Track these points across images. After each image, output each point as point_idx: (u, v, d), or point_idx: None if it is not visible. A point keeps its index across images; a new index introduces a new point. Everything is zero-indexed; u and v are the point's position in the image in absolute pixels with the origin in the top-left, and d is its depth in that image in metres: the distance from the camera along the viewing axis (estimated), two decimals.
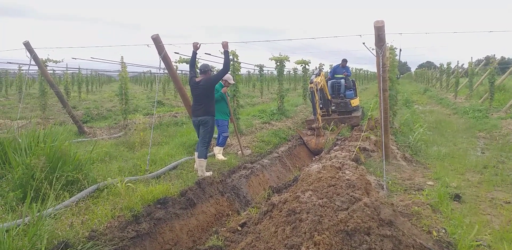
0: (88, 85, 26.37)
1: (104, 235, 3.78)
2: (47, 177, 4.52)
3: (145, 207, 4.52)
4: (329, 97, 12.10)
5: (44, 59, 14.03)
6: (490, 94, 14.01)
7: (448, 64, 24.82)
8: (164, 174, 6.05)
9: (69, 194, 4.65)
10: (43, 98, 13.47)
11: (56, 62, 14.91)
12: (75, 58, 11.96)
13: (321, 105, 12.24)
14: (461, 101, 18.07)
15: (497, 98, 15.18)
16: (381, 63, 5.67)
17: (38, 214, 3.49)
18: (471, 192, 5.20)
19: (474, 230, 3.53)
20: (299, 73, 27.92)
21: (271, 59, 13.63)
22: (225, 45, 6.21)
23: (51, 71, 23.24)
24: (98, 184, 4.97)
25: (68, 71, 19.81)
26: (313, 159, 8.49)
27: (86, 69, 26.52)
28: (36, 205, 3.58)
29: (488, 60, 17.19)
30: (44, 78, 10.81)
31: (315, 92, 9.84)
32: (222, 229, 4.24)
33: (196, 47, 6.41)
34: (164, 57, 6.61)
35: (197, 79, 6.18)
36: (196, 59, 6.97)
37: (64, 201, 4.40)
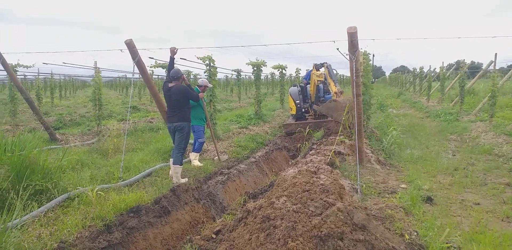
0: (61, 90, 25.73)
1: (74, 246, 3.67)
2: (14, 187, 4.36)
3: (117, 216, 4.42)
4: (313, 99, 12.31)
5: (14, 64, 13.63)
6: (461, 98, 14.45)
7: (421, 68, 25.48)
8: (138, 181, 5.94)
9: (38, 204, 4.50)
10: (13, 104, 13.04)
11: (27, 67, 14.50)
12: (46, 63, 11.61)
13: (304, 109, 12.35)
14: (433, 104, 18.56)
15: (467, 101, 15.68)
16: (354, 69, 5.75)
17: (3, 225, 3.35)
18: (443, 194, 5.33)
19: (444, 232, 3.60)
20: (276, 78, 28.09)
21: (248, 64, 13.67)
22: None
23: (22, 77, 22.57)
24: (68, 193, 4.82)
25: (40, 77, 19.27)
26: (290, 163, 8.52)
27: (59, 74, 25.91)
28: (1, 216, 3.44)
29: (459, 65, 17.73)
30: (14, 83, 10.47)
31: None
32: (196, 237, 4.17)
33: (173, 52, 6.34)
34: (138, 62, 6.50)
35: (170, 85, 6.12)
36: (174, 64, 6.90)
37: (32, 211, 4.25)
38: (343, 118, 8.25)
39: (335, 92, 10.63)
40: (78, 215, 4.30)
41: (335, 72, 11.18)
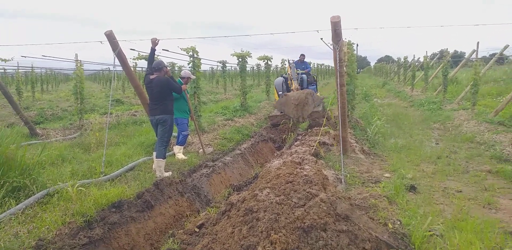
0: (43, 84, 25.16)
1: (53, 243, 3.58)
2: None
3: (98, 211, 4.34)
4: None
5: None
6: (444, 86, 14.58)
7: (405, 58, 25.65)
8: (120, 176, 5.83)
9: (16, 201, 4.38)
10: None
11: (5, 61, 14.12)
12: (24, 57, 11.31)
13: None
14: (417, 94, 18.71)
15: (450, 90, 15.84)
16: (338, 58, 5.70)
17: None
18: (426, 183, 5.37)
19: (427, 220, 3.61)
20: (262, 69, 27.94)
21: (232, 55, 13.51)
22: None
23: (2, 71, 22.01)
24: (47, 189, 4.70)
25: (20, 70, 18.76)
26: (275, 154, 8.49)
27: (40, 68, 25.30)
28: None
29: (442, 54, 17.85)
30: None
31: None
32: (179, 231, 4.12)
33: (154, 43, 6.17)
34: (119, 54, 6.34)
35: (151, 77, 5.98)
36: (156, 55, 6.73)
37: (9, 209, 4.14)
38: (328, 109, 8.27)
39: (292, 89, 10.85)
40: (58, 212, 4.20)
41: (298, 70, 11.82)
